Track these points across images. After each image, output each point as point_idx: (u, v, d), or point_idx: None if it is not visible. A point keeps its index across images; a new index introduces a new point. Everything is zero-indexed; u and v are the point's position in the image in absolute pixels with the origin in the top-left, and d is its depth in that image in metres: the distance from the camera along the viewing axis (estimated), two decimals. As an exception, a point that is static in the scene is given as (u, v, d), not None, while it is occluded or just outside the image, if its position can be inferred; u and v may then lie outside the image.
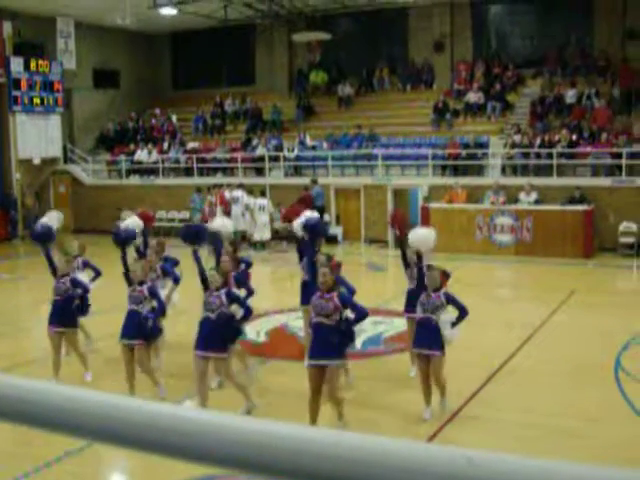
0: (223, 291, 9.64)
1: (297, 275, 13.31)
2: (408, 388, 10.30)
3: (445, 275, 9.91)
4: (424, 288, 9.73)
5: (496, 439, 8.68)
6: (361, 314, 8.98)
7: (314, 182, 25.91)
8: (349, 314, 9.06)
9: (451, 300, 9.64)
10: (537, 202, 22.93)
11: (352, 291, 10.33)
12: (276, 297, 18.21)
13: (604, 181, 23.06)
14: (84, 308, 11.51)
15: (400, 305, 12.35)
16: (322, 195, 25.86)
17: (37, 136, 30.80)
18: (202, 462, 1.24)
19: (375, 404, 9.82)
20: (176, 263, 12.61)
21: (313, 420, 8.89)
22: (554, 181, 23.53)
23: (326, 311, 8.86)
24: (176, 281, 12.06)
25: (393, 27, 32.88)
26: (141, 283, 10.53)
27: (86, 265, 12.92)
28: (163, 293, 11.41)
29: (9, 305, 17.62)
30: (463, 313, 9.57)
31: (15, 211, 29.73)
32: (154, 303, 10.51)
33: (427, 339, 9.52)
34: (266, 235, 25.39)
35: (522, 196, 23.17)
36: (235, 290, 10.33)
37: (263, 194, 26.42)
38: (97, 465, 8.28)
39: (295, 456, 1.14)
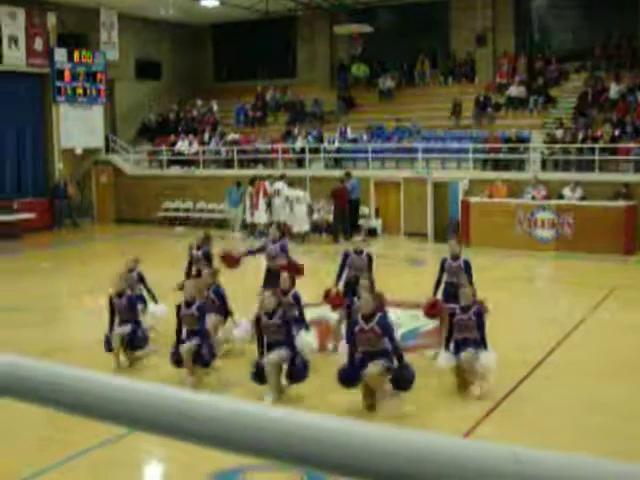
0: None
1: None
2: (444, 384, 10.24)
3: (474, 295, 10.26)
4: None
5: (533, 436, 8.59)
6: (395, 350, 9.37)
7: (348, 175, 25.71)
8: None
9: (480, 326, 9.96)
10: (582, 199, 22.59)
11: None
12: (316, 289, 18.11)
13: (647, 177, 22.77)
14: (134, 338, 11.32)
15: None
16: (358, 187, 25.66)
17: (80, 126, 31.05)
18: (234, 452, 1.23)
19: (411, 399, 9.76)
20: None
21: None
22: (596, 177, 23.21)
23: (371, 342, 9.24)
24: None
25: (435, 20, 32.69)
26: (189, 304, 10.55)
27: (141, 279, 12.68)
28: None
29: (47, 293, 17.78)
30: (484, 342, 9.95)
31: (62, 200, 29.88)
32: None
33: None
34: (305, 227, 25.29)
35: (566, 191, 22.85)
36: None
37: (300, 185, 26.43)
38: (134, 453, 8.33)
39: (333, 448, 1.12)
